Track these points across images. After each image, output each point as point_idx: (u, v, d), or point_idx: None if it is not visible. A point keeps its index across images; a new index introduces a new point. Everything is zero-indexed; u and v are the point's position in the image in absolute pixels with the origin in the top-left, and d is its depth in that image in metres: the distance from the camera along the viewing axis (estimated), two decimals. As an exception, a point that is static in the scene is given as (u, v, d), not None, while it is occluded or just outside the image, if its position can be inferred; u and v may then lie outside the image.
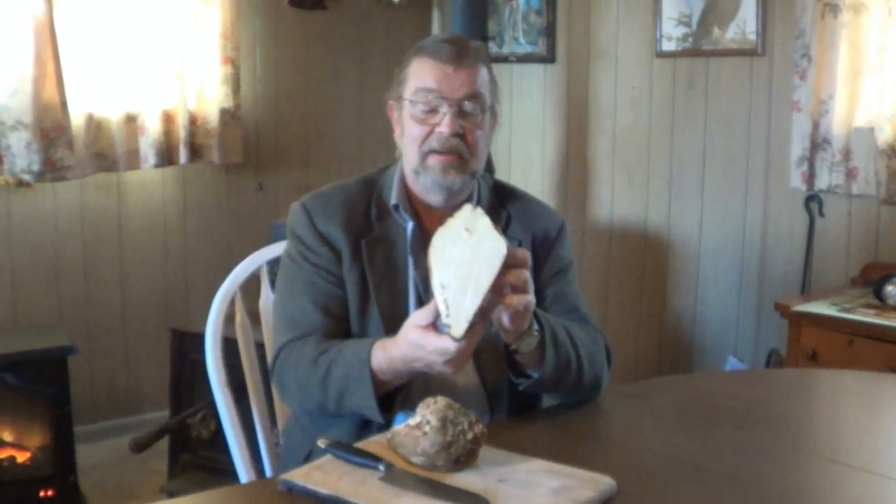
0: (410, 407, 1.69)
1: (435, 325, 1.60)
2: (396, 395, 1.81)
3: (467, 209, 1.63)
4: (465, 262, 1.58)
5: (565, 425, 1.86)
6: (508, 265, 1.59)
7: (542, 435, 1.80)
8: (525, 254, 1.66)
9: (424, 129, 1.90)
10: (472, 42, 1.95)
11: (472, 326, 1.57)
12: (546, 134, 4.67)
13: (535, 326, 1.75)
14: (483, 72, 1.92)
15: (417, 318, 1.64)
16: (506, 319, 1.66)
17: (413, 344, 1.64)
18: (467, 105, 1.89)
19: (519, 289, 1.63)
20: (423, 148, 1.90)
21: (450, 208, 1.96)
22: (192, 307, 4.30)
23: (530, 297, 1.65)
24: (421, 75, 1.90)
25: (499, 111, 2.01)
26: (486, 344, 1.83)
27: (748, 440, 1.77)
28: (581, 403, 1.92)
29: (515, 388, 1.86)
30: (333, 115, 4.76)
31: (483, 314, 1.60)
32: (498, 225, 1.62)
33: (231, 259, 2.30)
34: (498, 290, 1.60)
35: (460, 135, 1.88)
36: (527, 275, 1.64)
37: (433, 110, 1.89)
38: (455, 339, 1.57)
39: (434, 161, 1.90)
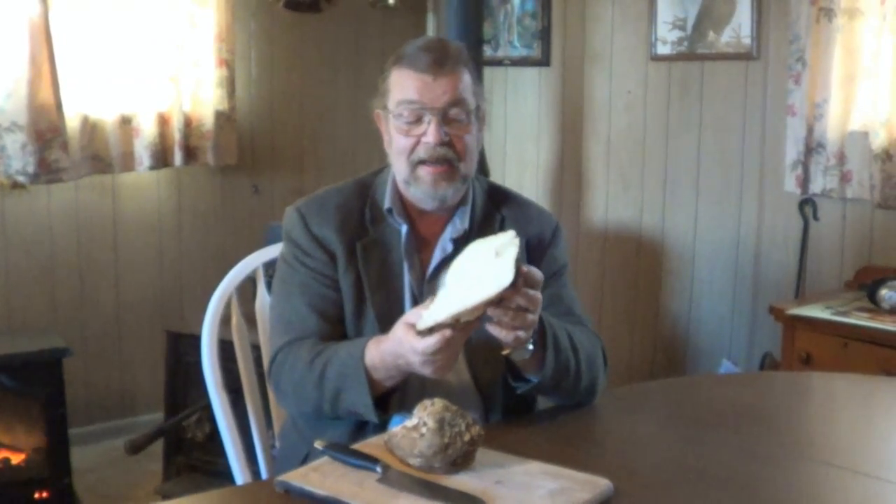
0: (407, 409, 1.69)
1: None
2: (392, 395, 1.81)
3: (509, 234, 1.65)
4: (473, 275, 1.61)
5: (562, 428, 1.86)
6: (520, 308, 1.62)
7: (539, 437, 1.80)
8: (537, 299, 1.66)
9: (411, 140, 1.89)
10: (450, 46, 1.93)
11: (440, 330, 1.59)
12: (540, 137, 4.68)
13: (530, 344, 1.75)
14: (464, 76, 1.91)
15: (410, 315, 1.66)
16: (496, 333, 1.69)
17: (397, 340, 1.67)
18: (451, 112, 1.88)
19: (516, 328, 1.65)
20: (411, 159, 1.90)
21: (443, 212, 1.97)
22: (186, 309, 4.29)
23: (521, 334, 1.66)
24: (402, 87, 1.89)
25: (486, 111, 2.01)
26: (478, 344, 1.84)
27: (742, 443, 1.77)
28: (577, 407, 1.92)
29: (510, 388, 1.87)
30: (328, 117, 4.76)
31: (465, 328, 1.62)
32: (522, 261, 1.62)
33: (225, 261, 2.31)
34: (501, 317, 1.63)
35: (447, 142, 1.88)
36: (530, 318, 1.65)
37: (418, 121, 1.88)
38: (417, 331, 1.60)
39: (424, 172, 1.89)
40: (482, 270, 1.60)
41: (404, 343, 1.64)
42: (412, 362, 1.66)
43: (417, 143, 1.89)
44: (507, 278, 1.57)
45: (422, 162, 1.89)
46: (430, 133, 1.87)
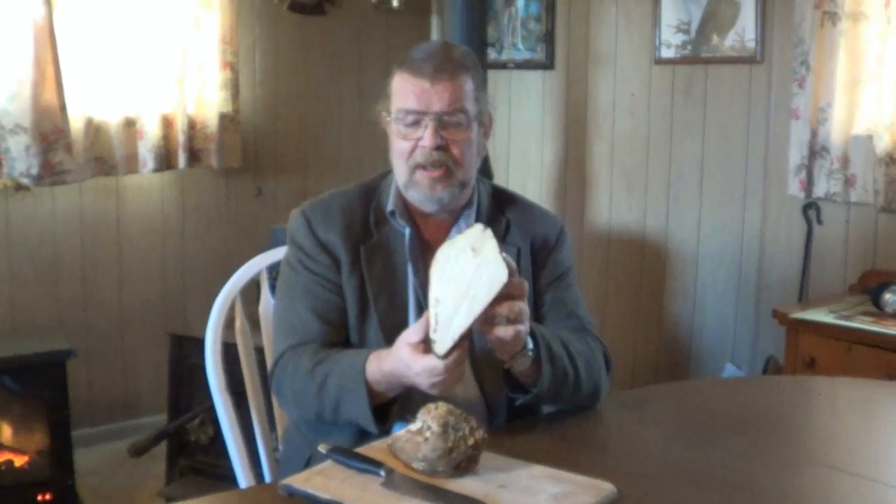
0: (409, 417, 1.69)
1: (426, 343, 1.61)
2: (393, 405, 1.81)
3: (477, 228, 1.63)
4: (463, 281, 1.59)
5: (566, 432, 1.86)
6: (507, 295, 1.60)
7: (542, 441, 1.80)
8: (523, 285, 1.66)
9: (409, 143, 1.89)
10: (454, 51, 1.93)
11: (457, 346, 1.58)
12: (544, 140, 4.68)
13: (530, 346, 1.75)
14: (466, 82, 1.90)
15: (409, 334, 1.65)
16: (495, 344, 1.68)
17: (403, 363, 1.66)
18: (449, 117, 1.87)
19: (512, 320, 1.64)
20: (409, 163, 1.90)
21: (446, 215, 1.97)
22: (190, 312, 4.30)
23: (521, 328, 1.66)
24: (402, 92, 1.90)
25: (491, 116, 2.00)
26: (486, 357, 1.83)
27: (746, 447, 1.77)
28: (581, 410, 1.92)
29: (515, 401, 1.86)
30: (332, 120, 4.76)
31: (468, 336, 1.61)
32: (503, 251, 1.62)
33: (229, 264, 2.31)
34: (489, 320, 1.62)
35: (444, 147, 1.88)
36: (521, 306, 1.65)
37: (416, 125, 1.88)
38: (437, 356, 1.59)
39: (421, 176, 1.89)
40: (471, 273, 1.58)
41: (414, 367, 1.63)
42: (420, 383, 1.65)
43: (415, 146, 1.89)
44: (503, 273, 1.56)
45: (419, 166, 1.89)
46: (426, 137, 1.87)
